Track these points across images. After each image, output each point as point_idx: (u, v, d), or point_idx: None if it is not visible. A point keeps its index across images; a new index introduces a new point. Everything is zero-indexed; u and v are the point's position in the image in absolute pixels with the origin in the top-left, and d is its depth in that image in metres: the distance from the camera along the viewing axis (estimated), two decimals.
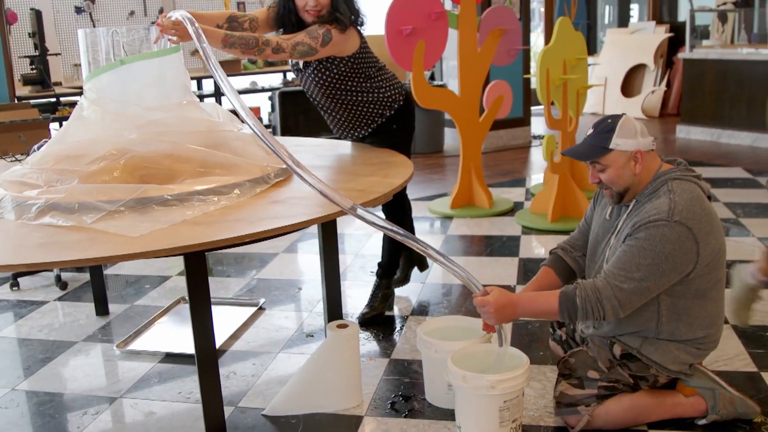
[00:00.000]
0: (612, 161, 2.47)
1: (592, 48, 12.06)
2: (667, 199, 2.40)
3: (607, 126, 2.48)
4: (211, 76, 8.37)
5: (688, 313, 2.48)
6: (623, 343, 2.54)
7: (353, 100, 3.43)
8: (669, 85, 10.56)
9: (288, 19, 3.30)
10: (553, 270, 2.80)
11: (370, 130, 3.52)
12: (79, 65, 7.88)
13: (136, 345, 3.51)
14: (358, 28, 3.35)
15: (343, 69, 3.34)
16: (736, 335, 3.33)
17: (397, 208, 3.68)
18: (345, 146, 3.56)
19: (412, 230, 3.78)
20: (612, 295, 2.36)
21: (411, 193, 3.87)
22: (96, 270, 3.86)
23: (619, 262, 2.39)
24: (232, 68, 8.55)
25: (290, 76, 9.40)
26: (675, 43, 10.55)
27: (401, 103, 3.55)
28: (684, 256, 2.37)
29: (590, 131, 2.55)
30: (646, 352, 2.52)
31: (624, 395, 2.56)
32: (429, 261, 4.20)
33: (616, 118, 2.50)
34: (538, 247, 4.85)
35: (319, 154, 3.40)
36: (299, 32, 3.17)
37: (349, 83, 3.39)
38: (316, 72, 3.35)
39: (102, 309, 3.91)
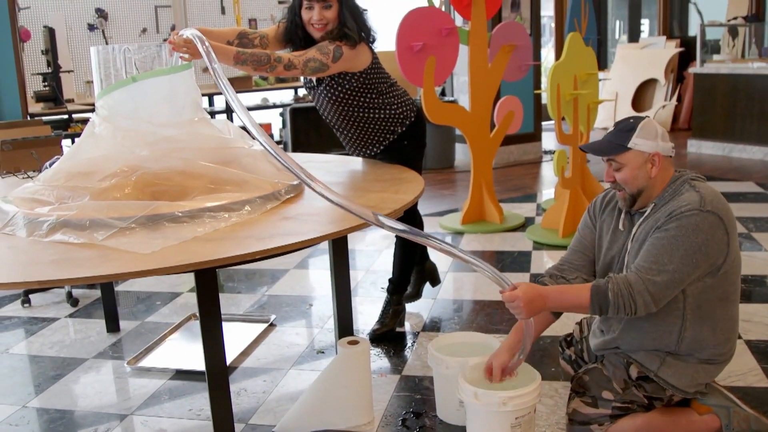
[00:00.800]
0: (629, 160, 2.45)
1: (603, 63, 12.06)
2: (695, 192, 2.39)
3: (628, 125, 2.47)
4: (221, 93, 8.39)
5: (712, 317, 2.46)
6: (640, 364, 2.52)
7: (365, 117, 3.43)
8: (680, 99, 10.54)
9: (296, 34, 3.31)
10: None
11: (382, 147, 3.52)
12: (92, 82, 7.93)
13: (147, 362, 3.51)
14: (369, 44, 3.36)
15: (355, 85, 3.34)
16: (750, 351, 3.30)
17: (409, 222, 3.66)
18: (356, 162, 3.56)
19: (423, 247, 3.77)
20: (645, 289, 2.32)
21: (422, 209, 3.87)
22: (107, 287, 3.87)
23: (650, 255, 2.35)
24: (243, 85, 8.59)
25: (301, 92, 9.44)
26: (686, 57, 10.54)
27: (413, 119, 3.56)
28: (716, 247, 2.36)
29: (611, 129, 2.53)
30: (664, 375, 2.49)
31: (637, 414, 2.54)
32: (441, 275, 4.20)
33: (639, 119, 2.49)
34: (549, 263, 4.83)
35: (330, 170, 3.40)
36: (310, 49, 3.18)
37: (362, 99, 3.39)
38: (328, 88, 3.36)
39: (113, 326, 3.91)
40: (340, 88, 3.34)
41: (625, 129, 2.46)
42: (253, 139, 2.77)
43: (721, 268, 2.40)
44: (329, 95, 3.38)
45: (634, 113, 10.47)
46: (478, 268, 2.31)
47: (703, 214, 2.33)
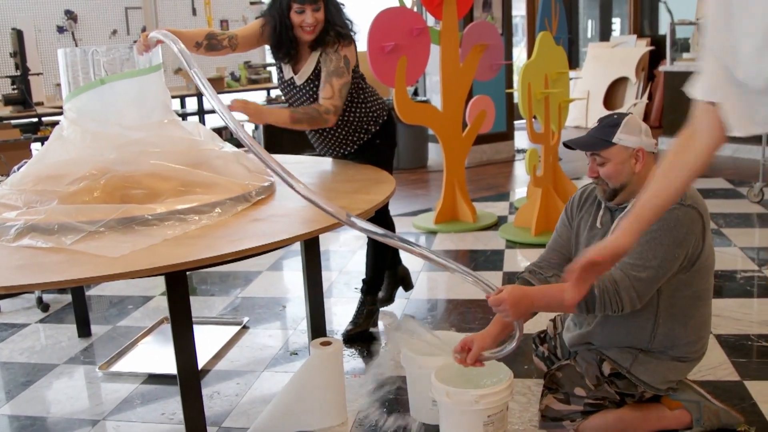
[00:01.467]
0: (613, 155, 2.46)
1: (575, 62, 12.13)
2: None
3: (612, 121, 2.49)
4: (194, 95, 8.31)
5: (685, 315, 2.49)
6: (613, 361, 2.54)
7: (342, 116, 3.43)
8: (651, 97, 10.62)
9: (285, 36, 3.28)
10: None
11: (356, 147, 3.52)
12: (60, 85, 7.87)
13: (119, 366, 3.48)
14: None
15: None
16: (720, 345, 3.34)
17: (381, 223, 3.67)
18: (327, 163, 3.56)
19: (395, 250, 3.78)
20: (630, 286, 2.34)
21: (395, 209, 3.87)
22: (78, 291, 3.84)
23: (634, 251, 2.35)
24: (215, 86, 8.45)
25: (274, 93, 9.41)
26: (656, 56, 10.62)
27: (385, 118, 3.57)
28: (694, 240, 2.39)
29: (595, 125, 2.55)
30: (636, 372, 2.51)
31: (609, 410, 2.56)
32: (414, 275, 4.20)
33: (622, 115, 2.52)
34: (522, 261, 4.85)
35: (302, 171, 3.39)
36: (328, 79, 3.23)
37: None
38: (310, 87, 3.34)
39: (84, 330, 3.88)
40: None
41: (609, 124, 2.48)
42: (225, 141, 2.77)
43: (695, 263, 2.42)
44: (309, 94, 3.36)
45: (605, 111, 10.54)
46: (458, 273, 2.30)
47: (684, 209, 2.36)
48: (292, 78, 3.40)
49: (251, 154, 2.49)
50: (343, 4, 3.38)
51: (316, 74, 3.32)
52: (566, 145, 2.61)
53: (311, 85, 3.34)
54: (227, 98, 3.09)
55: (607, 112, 10.59)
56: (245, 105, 3.03)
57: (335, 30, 3.25)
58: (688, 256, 2.39)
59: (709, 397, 2.64)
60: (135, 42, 2.99)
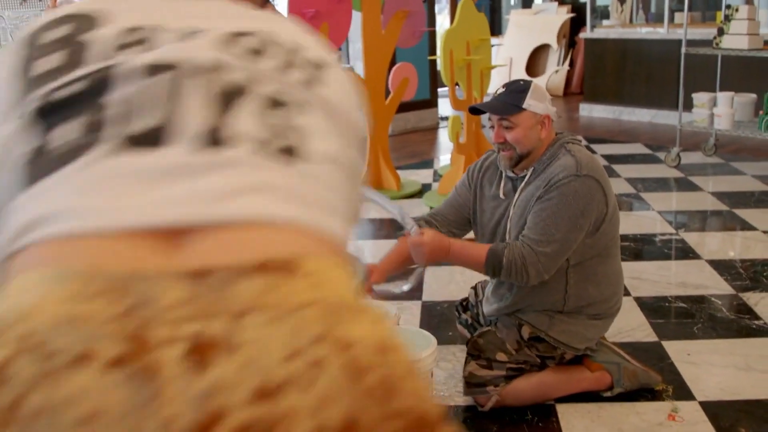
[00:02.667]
0: (522, 121, 2.47)
1: (497, 29, 12.19)
2: (570, 157, 2.44)
3: (520, 86, 2.51)
4: None
5: (595, 273, 2.53)
6: (531, 325, 2.56)
7: None
8: (572, 64, 10.76)
9: None
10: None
11: None
12: None
13: None
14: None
15: None
16: (638, 307, 3.40)
17: None
18: None
19: None
20: (536, 260, 2.37)
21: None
22: None
23: (537, 226, 2.40)
24: None
25: None
26: (577, 23, 10.74)
27: None
28: (597, 208, 2.42)
29: (501, 89, 2.56)
30: (554, 333, 2.55)
31: (532, 374, 2.59)
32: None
33: (528, 81, 2.54)
34: None
35: None
36: None
37: None
38: None
39: None
40: None
41: (517, 90, 2.50)
42: None
43: (600, 227, 2.46)
44: None
45: (528, 78, 10.64)
46: (387, 209, 2.32)
47: (581, 179, 2.39)
48: None
49: None
50: None
51: None
52: (474, 109, 2.64)
53: None
54: None
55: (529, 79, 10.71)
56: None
57: None
58: (592, 223, 2.43)
59: (628, 358, 2.70)
60: (44, 10, 2.88)
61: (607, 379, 2.67)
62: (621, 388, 2.65)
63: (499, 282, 2.62)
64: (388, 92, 5.79)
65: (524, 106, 2.46)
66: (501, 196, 2.61)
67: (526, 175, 2.53)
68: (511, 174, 2.58)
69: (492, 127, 2.57)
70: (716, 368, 2.87)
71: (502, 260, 2.39)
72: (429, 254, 2.40)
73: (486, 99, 2.70)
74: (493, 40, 6.24)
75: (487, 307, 2.73)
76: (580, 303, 2.54)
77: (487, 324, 2.74)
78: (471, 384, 2.58)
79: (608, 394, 2.66)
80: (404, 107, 7.42)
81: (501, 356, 2.56)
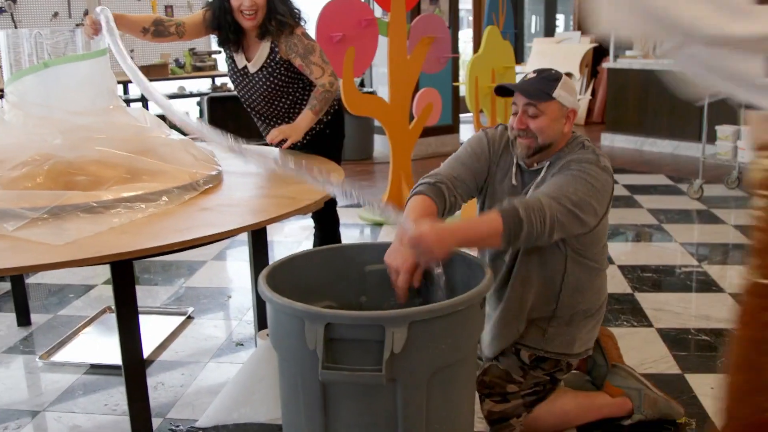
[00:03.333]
0: (549, 110, 2.37)
1: (520, 57, 12.23)
2: (590, 151, 2.38)
3: (552, 75, 2.41)
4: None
5: (587, 267, 2.48)
6: (528, 347, 2.53)
7: (296, 107, 3.42)
8: (594, 93, 10.77)
9: (224, 20, 3.26)
10: (435, 206, 2.43)
11: (307, 138, 3.50)
12: (0, 67, 7.66)
13: (60, 356, 3.41)
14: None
15: (292, 72, 3.33)
16: (661, 338, 3.40)
17: (327, 216, 3.68)
18: (274, 153, 3.53)
19: (339, 241, 3.78)
20: (553, 205, 2.20)
21: (341, 200, 3.85)
22: (17, 279, 3.74)
23: (555, 185, 2.28)
24: (159, 72, 8.42)
25: (219, 81, 9.30)
26: (599, 52, 10.76)
27: (336, 108, 3.57)
28: (604, 201, 2.33)
29: (532, 74, 2.43)
30: (551, 347, 2.52)
31: (553, 401, 2.57)
32: None
33: (559, 72, 2.44)
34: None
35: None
36: (304, 63, 3.27)
37: (295, 87, 3.39)
38: (268, 75, 3.31)
39: (24, 319, 3.79)
40: (278, 75, 3.31)
41: (549, 78, 2.40)
42: (170, 127, 2.73)
43: (598, 224, 2.37)
44: (266, 80, 3.33)
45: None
46: (377, 210, 2.20)
47: (600, 169, 2.32)
48: (245, 67, 3.36)
49: (201, 140, 2.45)
50: None
51: (269, 62, 3.29)
52: (501, 88, 2.47)
53: (265, 73, 3.32)
54: (171, 86, 3.06)
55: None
56: (282, 131, 3.14)
57: (276, 19, 3.21)
58: (598, 213, 2.32)
59: (649, 386, 2.70)
60: (78, 25, 2.93)
61: (628, 405, 2.66)
62: (641, 415, 2.65)
63: (495, 288, 2.53)
64: (412, 117, 5.83)
65: (554, 95, 2.37)
66: (514, 182, 2.49)
67: (541, 169, 2.43)
68: (523, 164, 2.48)
69: (515, 113, 2.43)
70: None
71: (518, 212, 2.16)
72: (436, 244, 2.09)
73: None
74: (516, 68, 6.31)
75: (487, 349, 2.62)
76: (570, 302, 2.48)
77: (488, 359, 2.68)
78: (493, 421, 2.54)
79: (628, 422, 2.66)
80: (426, 132, 7.45)
81: (512, 387, 2.53)
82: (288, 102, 3.40)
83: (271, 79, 3.32)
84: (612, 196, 2.38)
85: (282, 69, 3.31)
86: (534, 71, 2.45)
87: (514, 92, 2.44)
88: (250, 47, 3.33)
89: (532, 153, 2.42)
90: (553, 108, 2.38)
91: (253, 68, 3.34)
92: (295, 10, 3.32)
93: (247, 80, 3.39)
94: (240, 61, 3.37)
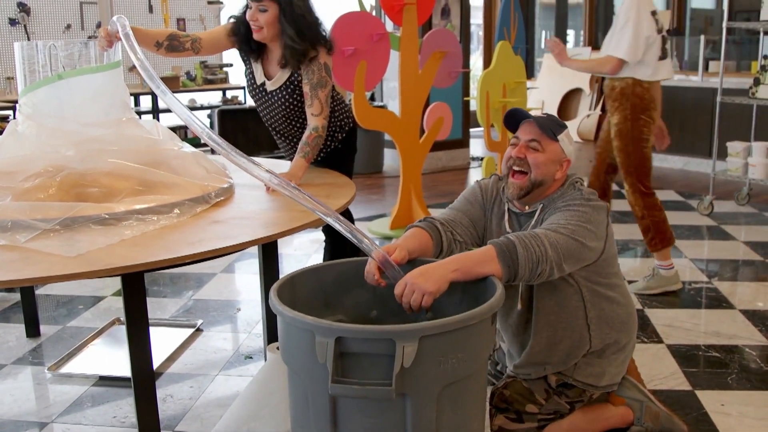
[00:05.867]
0: (550, 149, 2.40)
1: (530, 72, 12.24)
2: (580, 192, 2.39)
3: (558, 121, 2.46)
4: (149, 93, 8.23)
5: (609, 301, 2.46)
6: (557, 373, 2.53)
7: None
8: (603, 109, 10.76)
9: (239, 30, 3.30)
10: (430, 237, 2.40)
11: (322, 155, 3.51)
12: (13, 78, 7.70)
13: (69, 368, 3.41)
14: (327, 50, 3.34)
15: None
16: (671, 355, 3.38)
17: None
18: (285, 166, 3.53)
19: (349, 254, 3.77)
20: (549, 233, 2.18)
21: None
22: (27, 290, 3.75)
23: (547, 223, 2.29)
24: (170, 85, 8.42)
25: (230, 94, 9.34)
26: None
27: (351, 125, 3.58)
28: (601, 225, 2.33)
29: (543, 114, 2.47)
30: (580, 377, 2.50)
31: (562, 420, 2.56)
32: None
33: (563, 121, 2.50)
34: None
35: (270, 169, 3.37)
36: (311, 92, 3.24)
37: None
38: (285, 94, 3.32)
39: (33, 330, 3.79)
40: (295, 95, 3.31)
41: (556, 122, 2.45)
42: (182, 139, 2.73)
43: (603, 252, 2.37)
44: (284, 100, 3.33)
45: None
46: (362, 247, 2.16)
47: (592, 204, 2.33)
48: (263, 84, 3.37)
49: (214, 155, 2.46)
50: (318, 18, 3.33)
51: (288, 83, 3.30)
52: (512, 115, 2.46)
53: (283, 93, 3.32)
54: (182, 98, 3.06)
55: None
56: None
57: (289, 49, 3.21)
58: (596, 240, 2.31)
59: (652, 398, 2.68)
60: (90, 37, 2.95)
61: (630, 417, 2.65)
62: (641, 427, 2.64)
63: (515, 334, 2.55)
64: (422, 131, 5.83)
65: (558, 138, 2.41)
66: (507, 228, 2.49)
67: (534, 212, 2.43)
68: (515, 209, 2.48)
69: (514, 144, 2.44)
70: (750, 420, 2.84)
71: (511, 239, 2.14)
72: (422, 280, 2.02)
73: None
74: (527, 83, 6.34)
75: (511, 363, 2.61)
76: (603, 338, 2.48)
77: (510, 374, 2.67)
78: None
79: None
80: (436, 146, 7.45)
81: (531, 408, 2.50)
82: (305, 121, 3.39)
83: (290, 99, 3.33)
84: (608, 225, 2.39)
85: (300, 90, 3.31)
86: (543, 113, 2.51)
87: (517, 127, 2.46)
88: (271, 63, 3.34)
89: (523, 194, 2.41)
90: (554, 149, 2.41)
91: (271, 87, 3.34)
92: (320, 36, 3.30)
93: (265, 97, 3.40)
94: (259, 77, 3.38)
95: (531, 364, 2.51)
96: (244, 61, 3.45)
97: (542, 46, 13.27)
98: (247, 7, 3.25)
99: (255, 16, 3.19)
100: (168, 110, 3.18)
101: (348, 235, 2.17)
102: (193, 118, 2.41)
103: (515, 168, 2.42)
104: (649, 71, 4.20)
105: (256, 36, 3.23)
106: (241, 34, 3.31)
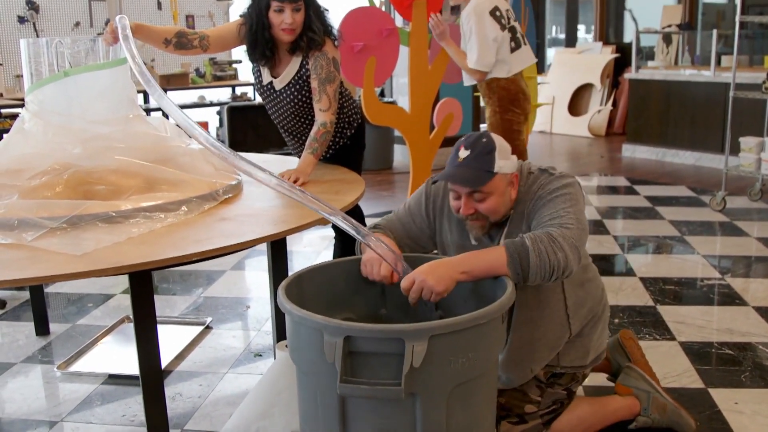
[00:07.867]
0: (495, 187, 2.21)
1: (540, 67, 12.20)
2: (545, 174, 2.30)
3: (486, 147, 2.21)
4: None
5: (583, 281, 2.42)
6: (542, 365, 2.48)
7: None
8: (615, 104, 10.71)
9: (261, 36, 3.19)
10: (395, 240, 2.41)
11: (331, 151, 3.49)
12: (21, 76, 7.70)
13: (78, 366, 3.40)
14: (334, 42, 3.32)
15: None
16: (684, 352, 3.35)
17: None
18: (294, 163, 3.51)
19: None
20: (563, 233, 2.09)
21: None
22: (36, 288, 3.74)
23: (545, 218, 2.18)
24: (179, 82, 8.46)
25: (239, 90, 9.33)
26: (621, 63, 10.71)
27: (359, 121, 3.56)
28: (584, 205, 2.26)
29: (466, 153, 2.22)
30: (567, 362, 2.46)
31: (571, 411, 2.54)
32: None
33: (488, 135, 2.24)
34: None
35: (269, 170, 3.35)
36: (319, 87, 3.19)
37: None
38: (294, 91, 3.28)
39: (42, 329, 3.79)
40: (303, 91, 3.28)
41: (484, 151, 2.21)
42: (190, 138, 2.71)
43: None
44: (292, 98, 3.30)
45: (570, 117, 10.61)
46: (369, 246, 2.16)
47: (566, 180, 2.26)
48: (271, 83, 3.34)
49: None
50: (327, 9, 3.31)
51: (297, 79, 3.26)
52: (442, 180, 2.29)
53: (291, 90, 3.29)
54: (192, 95, 3.04)
55: (571, 118, 10.65)
56: (289, 176, 2.99)
57: (308, 36, 3.18)
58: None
59: (660, 390, 2.66)
60: (99, 35, 2.93)
61: (637, 408, 2.64)
62: (647, 418, 2.62)
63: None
64: (432, 127, 5.80)
65: (495, 170, 2.19)
66: (473, 242, 2.35)
67: (505, 221, 2.32)
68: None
69: (457, 198, 2.27)
70: (764, 418, 2.80)
71: (525, 244, 2.05)
72: (432, 277, 2.02)
73: (450, 163, 2.29)
74: (537, 78, 6.30)
75: (504, 375, 2.49)
76: (581, 322, 2.42)
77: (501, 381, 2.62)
78: None
79: (633, 424, 2.63)
80: (446, 142, 7.40)
81: (530, 408, 2.47)
82: (313, 118, 3.36)
83: (299, 96, 3.29)
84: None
85: (308, 86, 3.28)
86: (464, 145, 2.25)
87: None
88: (279, 63, 3.30)
89: (487, 230, 2.31)
90: (498, 183, 2.21)
91: (279, 85, 3.31)
92: (330, 27, 3.28)
93: (273, 96, 3.37)
94: (266, 77, 3.34)
95: (513, 362, 2.41)
96: (253, 62, 3.42)
97: (554, 41, 13.23)
98: (266, 11, 3.13)
99: (292, 17, 3.12)
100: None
101: (353, 233, 2.15)
102: (190, 121, 2.36)
103: (470, 221, 2.30)
104: (506, 68, 4.57)
105: (287, 38, 3.16)
106: (259, 43, 3.22)
